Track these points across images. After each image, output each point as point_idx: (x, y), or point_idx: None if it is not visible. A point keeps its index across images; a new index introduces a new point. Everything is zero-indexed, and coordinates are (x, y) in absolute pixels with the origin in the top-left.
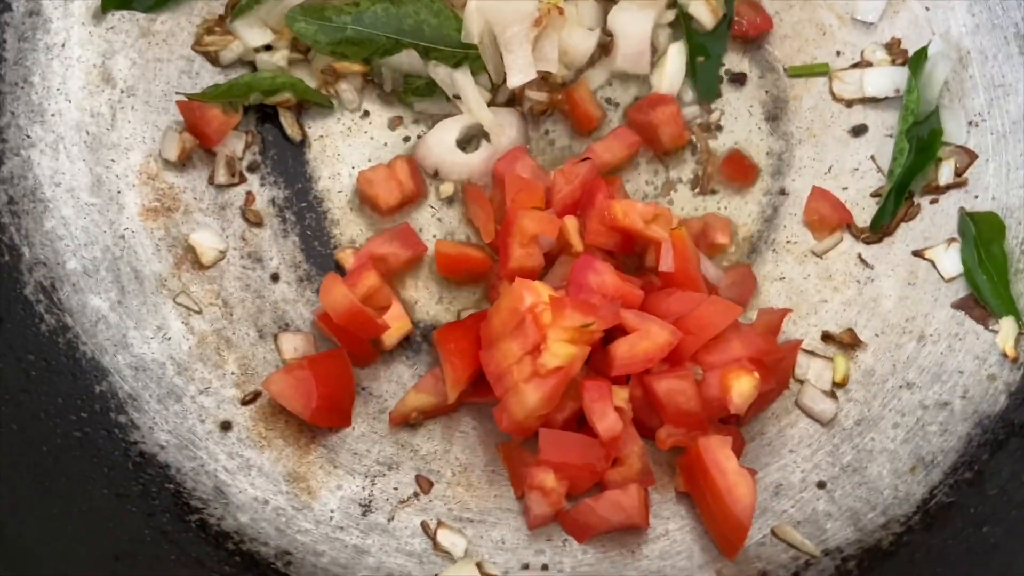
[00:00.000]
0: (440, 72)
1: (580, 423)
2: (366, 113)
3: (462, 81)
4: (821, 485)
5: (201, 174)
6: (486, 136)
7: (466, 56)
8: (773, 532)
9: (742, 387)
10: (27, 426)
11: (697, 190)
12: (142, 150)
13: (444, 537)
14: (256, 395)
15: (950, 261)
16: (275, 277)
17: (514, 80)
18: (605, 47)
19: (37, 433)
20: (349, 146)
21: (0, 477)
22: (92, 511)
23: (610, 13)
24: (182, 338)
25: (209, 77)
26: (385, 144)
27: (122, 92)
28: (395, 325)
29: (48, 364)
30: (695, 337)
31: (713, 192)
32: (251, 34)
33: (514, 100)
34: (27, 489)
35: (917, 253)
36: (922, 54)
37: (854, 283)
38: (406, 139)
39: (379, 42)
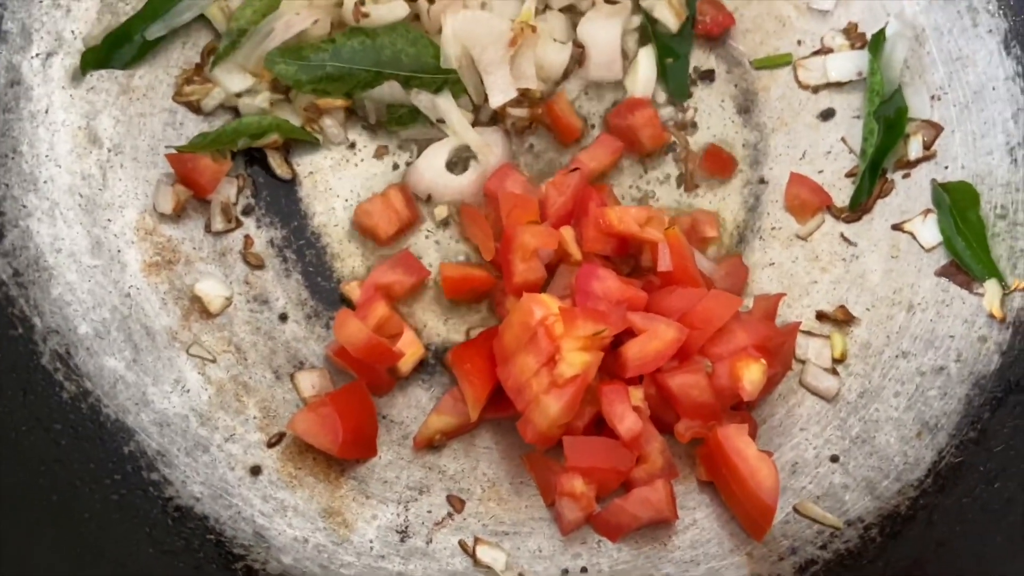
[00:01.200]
0: (422, 99)
1: (598, 426)
2: (352, 145)
3: (445, 105)
4: (834, 459)
5: (197, 223)
6: (474, 156)
7: (446, 81)
8: (795, 509)
9: (752, 375)
10: (66, 496)
11: (682, 188)
12: (136, 206)
13: (484, 553)
14: (281, 436)
15: (928, 231)
16: (283, 317)
17: (496, 100)
18: (577, 59)
19: (76, 501)
20: (339, 179)
21: (47, 549)
22: (141, 573)
23: (579, 25)
24: (200, 388)
25: (193, 126)
26: (375, 174)
27: (109, 151)
28: (409, 351)
29: (75, 431)
30: (701, 331)
31: (696, 187)
32: (231, 80)
33: (496, 118)
34: (76, 559)
35: (896, 227)
36: (880, 36)
37: (840, 261)
38: (395, 167)
39: (359, 76)
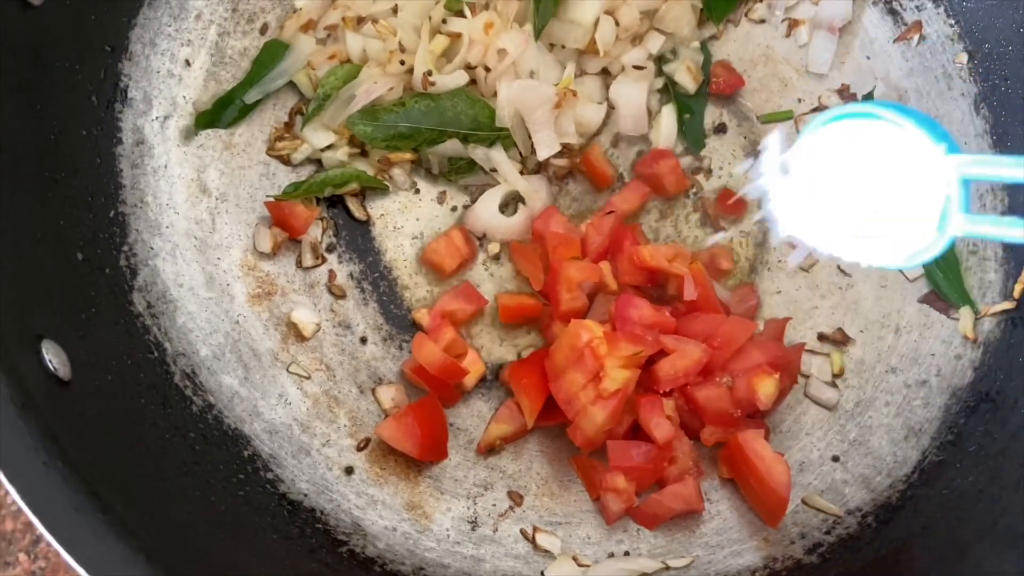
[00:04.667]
0: (478, 152)
1: (635, 432)
2: (417, 191)
3: (498, 158)
4: (835, 459)
5: (289, 260)
6: (522, 200)
7: (499, 137)
8: (803, 501)
9: (767, 388)
10: (205, 492)
11: (702, 226)
12: (240, 246)
13: (542, 539)
14: (367, 441)
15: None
16: (363, 340)
17: (543, 154)
18: (608, 115)
19: (213, 497)
20: (406, 220)
21: (197, 537)
22: (269, 554)
23: (611, 87)
24: (300, 401)
25: (284, 176)
26: (436, 216)
27: (216, 199)
28: (473, 368)
29: (205, 439)
30: (722, 352)
31: (722, 228)
32: (317, 137)
33: (540, 167)
34: (219, 545)
35: None
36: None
37: (837, 290)
38: (453, 209)
39: (425, 134)
